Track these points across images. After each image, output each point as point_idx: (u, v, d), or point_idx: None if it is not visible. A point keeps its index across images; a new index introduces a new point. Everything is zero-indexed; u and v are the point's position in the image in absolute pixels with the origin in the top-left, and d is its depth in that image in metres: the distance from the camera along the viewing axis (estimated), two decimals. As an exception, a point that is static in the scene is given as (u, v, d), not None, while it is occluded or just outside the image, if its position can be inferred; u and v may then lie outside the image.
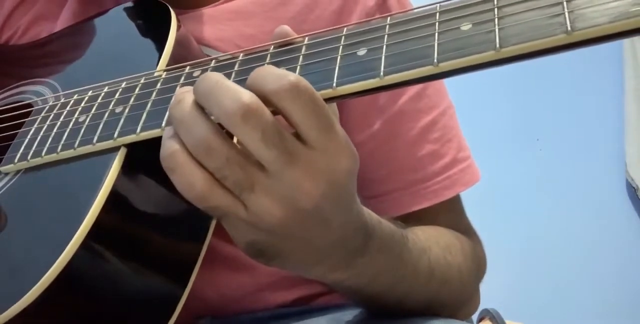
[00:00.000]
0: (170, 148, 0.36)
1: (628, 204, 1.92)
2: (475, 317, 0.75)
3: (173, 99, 0.37)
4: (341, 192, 0.37)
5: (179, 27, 0.53)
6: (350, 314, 0.56)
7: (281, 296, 0.60)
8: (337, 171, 0.36)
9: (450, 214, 0.63)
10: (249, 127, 0.34)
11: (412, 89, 0.61)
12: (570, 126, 1.94)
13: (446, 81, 0.65)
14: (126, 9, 0.60)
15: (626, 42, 1.94)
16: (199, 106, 0.36)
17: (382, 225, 0.44)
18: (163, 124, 0.43)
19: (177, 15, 0.54)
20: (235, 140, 0.36)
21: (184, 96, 0.37)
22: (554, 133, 1.95)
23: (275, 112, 0.35)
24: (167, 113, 0.43)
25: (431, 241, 0.53)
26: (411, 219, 0.58)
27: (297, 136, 0.35)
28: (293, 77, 0.34)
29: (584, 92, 1.96)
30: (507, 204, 1.92)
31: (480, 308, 0.70)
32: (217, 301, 0.58)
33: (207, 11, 0.61)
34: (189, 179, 0.35)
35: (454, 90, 0.69)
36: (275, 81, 0.34)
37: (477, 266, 0.60)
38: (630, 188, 1.90)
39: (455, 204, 0.64)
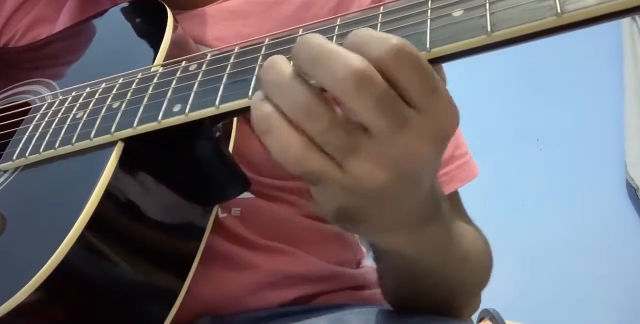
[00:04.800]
0: (264, 110, 0.34)
1: (628, 204, 1.92)
2: (475, 317, 0.75)
3: (264, 65, 0.35)
4: (441, 153, 0.36)
5: (175, 26, 0.53)
6: (351, 314, 0.56)
7: (281, 295, 0.59)
8: (444, 131, 0.35)
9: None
10: (363, 94, 0.32)
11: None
12: (570, 126, 1.95)
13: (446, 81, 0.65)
14: (123, 9, 0.61)
15: (626, 42, 1.95)
16: (296, 71, 0.34)
17: (445, 200, 0.44)
18: (159, 118, 0.43)
19: (174, 14, 0.55)
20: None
21: (276, 60, 0.35)
22: (554, 133, 1.95)
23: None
24: (164, 107, 0.43)
25: (463, 228, 0.53)
26: None
27: (404, 98, 0.34)
28: (396, 40, 0.32)
29: (584, 92, 1.97)
30: (507, 204, 1.92)
31: (480, 308, 0.70)
32: (217, 300, 0.58)
33: (205, 11, 0.62)
34: (285, 141, 0.34)
35: (454, 90, 0.69)
36: (379, 45, 0.32)
37: (490, 260, 0.61)
38: (630, 188, 1.91)
39: (454, 200, 0.64)
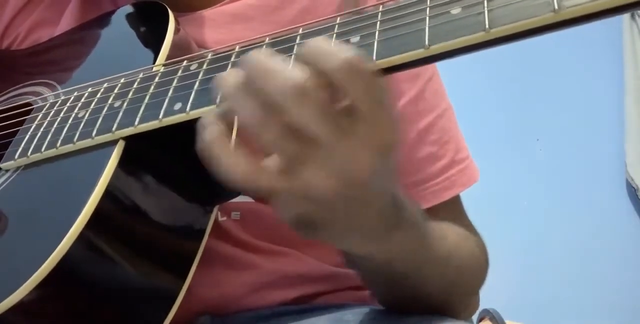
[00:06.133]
0: (207, 138, 0.36)
1: (628, 204, 1.92)
2: (475, 317, 0.75)
3: (217, 79, 0.37)
4: (389, 163, 0.37)
5: (177, 28, 0.54)
6: (350, 314, 0.56)
7: (281, 295, 0.60)
8: (387, 142, 0.36)
9: (450, 215, 0.62)
10: (304, 104, 0.34)
11: (411, 92, 0.61)
12: (570, 125, 1.95)
13: (446, 82, 0.66)
14: (125, 12, 0.61)
15: (626, 42, 1.96)
16: (247, 84, 0.36)
17: (412, 204, 0.45)
18: (160, 116, 0.43)
19: (176, 17, 0.55)
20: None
21: (230, 74, 0.36)
22: (554, 133, 1.96)
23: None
24: (165, 105, 0.43)
25: (447, 230, 0.53)
26: None
27: (348, 108, 0.35)
28: (347, 53, 0.34)
29: (584, 92, 1.98)
30: (507, 204, 1.93)
31: (480, 308, 0.70)
32: (217, 300, 0.58)
33: (206, 14, 0.62)
34: (231, 165, 0.35)
35: (455, 90, 0.70)
36: (331, 59, 0.34)
37: (485, 261, 0.61)
38: (630, 188, 1.91)
39: (455, 204, 0.64)
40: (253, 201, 0.59)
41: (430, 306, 0.52)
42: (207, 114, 0.37)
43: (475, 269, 0.57)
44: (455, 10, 0.35)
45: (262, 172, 0.36)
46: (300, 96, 0.34)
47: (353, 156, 0.35)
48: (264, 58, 0.35)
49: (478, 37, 0.34)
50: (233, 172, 0.36)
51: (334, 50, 0.34)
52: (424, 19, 0.36)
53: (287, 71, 0.34)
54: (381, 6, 0.39)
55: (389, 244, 0.43)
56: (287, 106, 0.34)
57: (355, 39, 0.38)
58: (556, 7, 0.32)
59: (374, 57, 0.36)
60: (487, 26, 0.33)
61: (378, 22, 0.38)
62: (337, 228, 0.39)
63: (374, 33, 0.37)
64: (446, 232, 0.52)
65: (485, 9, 0.34)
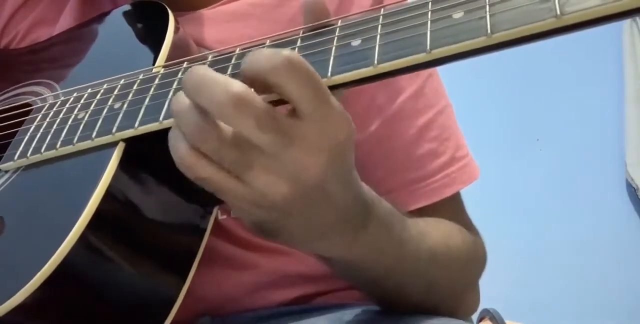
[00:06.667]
0: (173, 145, 0.37)
1: (628, 204, 1.93)
2: (475, 317, 0.75)
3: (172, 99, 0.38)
4: (342, 163, 0.37)
5: (177, 28, 0.54)
6: (350, 313, 0.56)
7: (281, 295, 0.60)
8: (336, 143, 0.36)
9: (450, 212, 0.62)
10: (242, 115, 0.34)
11: (410, 89, 0.61)
12: (570, 126, 1.95)
13: (446, 81, 0.66)
14: (125, 11, 0.61)
15: (626, 42, 1.96)
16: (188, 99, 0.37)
17: (382, 202, 0.45)
18: (161, 118, 0.43)
19: (175, 17, 0.55)
20: None
21: (179, 93, 0.37)
22: (554, 133, 1.96)
23: (276, 103, 0.36)
24: (165, 107, 0.43)
25: (431, 227, 0.53)
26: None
27: (293, 111, 0.36)
28: (286, 52, 0.34)
29: (584, 92, 1.98)
30: (507, 204, 1.93)
31: (480, 308, 0.70)
32: (217, 300, 0.58)
33: (205, 13, 0.62)
34: (177, 150, 0.37)
35: (454, 90, 0.70)
36: (269, 59, 0.35)
37: (476, 257, 0.60)
38: (630, 188, 1.91)
39: (455, 202, 0.64)
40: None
41: (418, 302, 0.52)
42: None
43: (462, 266, 0.57)
44: (457, 15, 0.35)
45: (205, 164, 0.36)
46: (238, 106, 0.34)
47: (301, 159, 0.36)
48: (204, 72, 0.36)
49: (480, 41, 0.34)
50: (177, 158, 0.37)
51: (270, 51, 0.35)
52: (426, 23, 0.36)
53: (227, 82, 0.35)
54: (382, 9, 0.39)
55: (357, 246, 0.43)
56: (227, 118, 0.35)
57: (356, 42, 0.38)
58: (558, 12, 0.31)
59: (375, 61, 0.36)
60: (489, 31, 0.33)
61: (379, 26, 0.38)
62: (296, 233, 0.40)
63: (375, 36, 0.37)
64: (429, 229, 0.52)
65: (487, 13, 0.34)
